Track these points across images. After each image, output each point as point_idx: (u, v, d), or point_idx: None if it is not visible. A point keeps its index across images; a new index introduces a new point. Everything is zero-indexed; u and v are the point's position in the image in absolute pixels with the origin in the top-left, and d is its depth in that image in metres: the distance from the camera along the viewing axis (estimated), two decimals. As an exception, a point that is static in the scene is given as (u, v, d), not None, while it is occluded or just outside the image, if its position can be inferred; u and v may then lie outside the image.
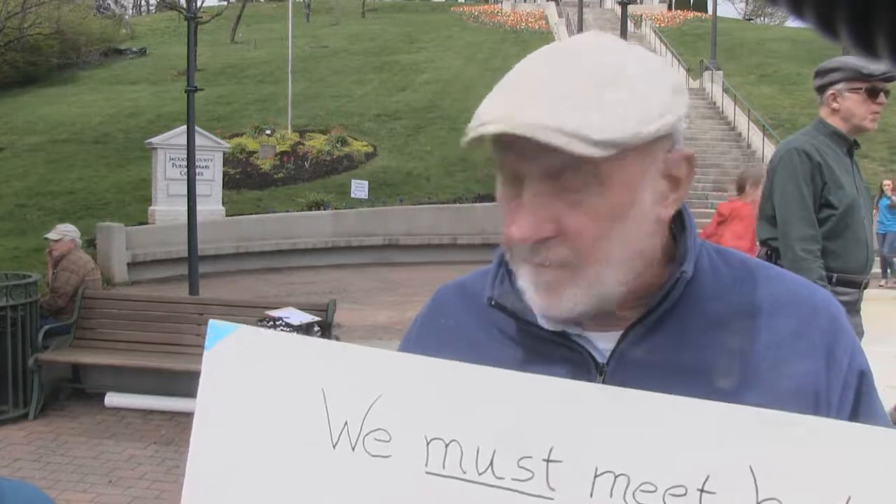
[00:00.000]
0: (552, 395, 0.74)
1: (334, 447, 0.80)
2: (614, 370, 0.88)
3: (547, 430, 0.73)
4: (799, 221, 3.09)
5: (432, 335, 1.01)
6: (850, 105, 3.16)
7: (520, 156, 0.81)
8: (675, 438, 0.70)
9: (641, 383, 0.80)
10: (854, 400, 0.87)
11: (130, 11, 56.32)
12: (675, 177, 0.87)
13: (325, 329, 6.09)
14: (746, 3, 60.89)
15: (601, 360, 0.89)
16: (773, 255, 3.24)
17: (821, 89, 3.24)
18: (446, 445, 0.76)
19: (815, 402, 0.84)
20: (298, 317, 6.00)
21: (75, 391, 6.40)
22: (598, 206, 0.81)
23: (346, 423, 0.79)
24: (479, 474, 0.75)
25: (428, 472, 0.76)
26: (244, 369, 0.84)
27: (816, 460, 0.67)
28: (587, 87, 0.79)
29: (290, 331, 5.81)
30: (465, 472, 0.75)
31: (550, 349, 0.91)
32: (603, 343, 0.90)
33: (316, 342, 0.85)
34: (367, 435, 0.79)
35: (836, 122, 3.19)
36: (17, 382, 5.89)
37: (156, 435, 5.51)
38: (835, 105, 3.18)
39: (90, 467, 4.96)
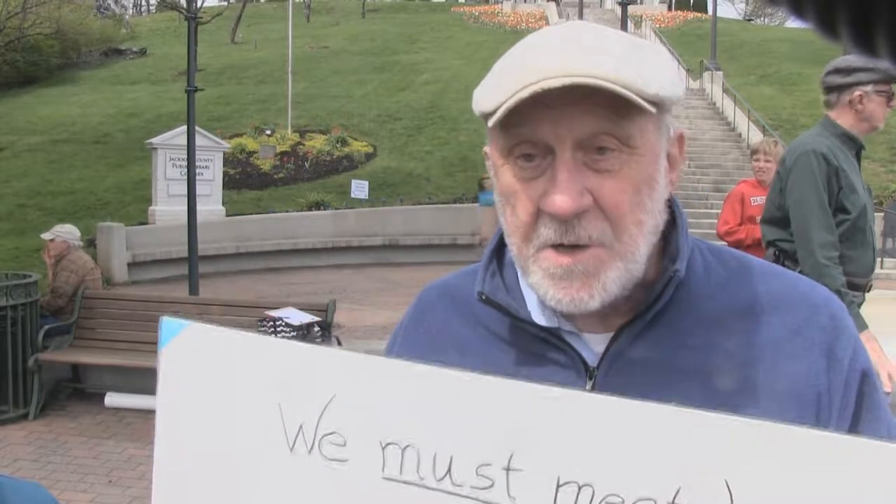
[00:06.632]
0: (511, 398, 0.69)
1: (291, 450, 0.77)
2: (605, 373, 0.85)
3: (506, 436, 0.69)
4: (819, 228, 2.99)
5: (417, 337, 0.98)
6: (874, 107, 3.08)
7: (554, 123, 0.78)
8: (644, 447, 0.65)
9: (634, 386, 0.78)
10: (856, 401, 0.84)
11: (130, 11, 56.35)
12: (672, 155, 0.87)
13: (325, 329, 6.09)
14: (746, 4, 60.90)
15: (592, 362, 0.87)
16: (780, 257, 3.16)
17: (840, 88, 3.09)
18: (402, 450, 0.72)
19: (816, 405, 0.82)
20: (298, 317, 6.00)
21: (75, 391, 6.40)
22: (630, 173, 0.80)
23: (300, 425, 0.76)
24: (438, 481, 0.71)
25: (385, 478, 0.73)
26: (198, 369, 0.81)
27: (801, 476, 0.61)
28: (625, 48, 0.79)
29: (290, 331, 5.81)
30: (422, 479, 0.71)
31: (541, 348, 0.88)
32: (595, 344, 0.88)
33: (266, 340, 0.80)
34: (322, 438, 0.75)
35: (847, 123, 3.09)
36: (17, 382, 5.89)
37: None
38: (859, 106, 3.07)
39: (90, 467, 4.96)
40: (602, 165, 0.79)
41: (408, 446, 0.72)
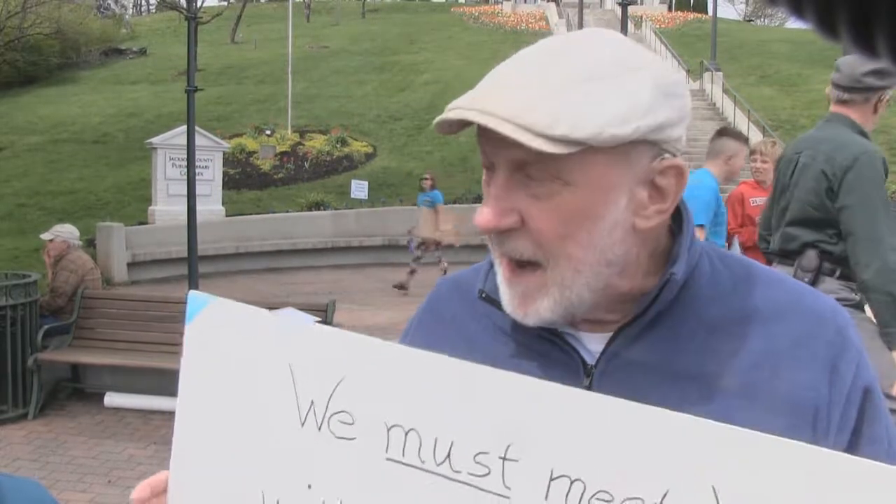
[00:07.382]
0: (512, 391, 0.72)
1: (302, 426, 0.81)
2: (603, 372, 0.86)
3: (505, 427, 0.71)
4: (889, 231, 2.90)
5: (429, 328, 1.01)
6: (884, 110, 3.11)
7: (492, 145, 0.81)
8: (636, 448, 0.67)
9: (630, 386, 0.78)
10: (857, 417, 0.83)
11: (130, 11, 56.35)
12: (659, 187, 0.82)
13: (325, 329, 6.09)
14: (746, 4, 60.94)
15: (590, 361, 0.87)
16: (823, 260, 3.05)
17: (874, 90, 3.05)
18: (406, 433, 0.76)
19: (813, 417, 0.81)
20: (298, 317, 6.00)
21: (75, 391, 6.39)
22: (562, 204, 0.80)
23: (312, 402, 0.81)
24: (437, 465, 0.74)
25: (388, 459, 0.76)
26: (220, 343, 0.86)
27: (789, 490, 0.62)
28: (559, 83, 0.77)
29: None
30: (423, 462, 0.75)
31: (541, 345, 0.90)
32: (594, 344, 0.88)
33: (286, 319, 0.84)
34: (331, 416, 0.79)
35: (864, 122, 3.08)
36: (16, 382, 5.89)
37: (155, 435, 5.51)
38: (882, 109, 3.08)
39: (89, 467, 4.96)
40: (532, 190, 0.81)
41: (411, 430, 0.76)
